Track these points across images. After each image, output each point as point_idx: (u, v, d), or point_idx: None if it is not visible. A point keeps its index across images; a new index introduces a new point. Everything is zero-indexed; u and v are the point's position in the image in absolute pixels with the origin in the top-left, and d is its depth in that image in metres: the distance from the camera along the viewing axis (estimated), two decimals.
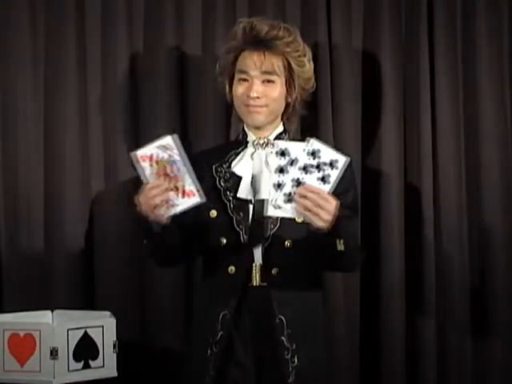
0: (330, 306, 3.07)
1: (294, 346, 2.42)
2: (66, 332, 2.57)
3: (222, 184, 2.50)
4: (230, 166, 2.52)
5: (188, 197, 2.26)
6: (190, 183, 2.25)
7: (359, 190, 3.11)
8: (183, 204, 2.26)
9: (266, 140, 2.52)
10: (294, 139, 2.56)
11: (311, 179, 2.21)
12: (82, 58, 3.03)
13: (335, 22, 3.13)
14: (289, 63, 2.48)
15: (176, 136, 2.26)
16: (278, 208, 2.23)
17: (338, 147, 3.08)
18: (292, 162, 2.22)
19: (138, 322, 3.03)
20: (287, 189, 2.22)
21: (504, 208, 3.21)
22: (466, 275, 3.21)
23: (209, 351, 2.45)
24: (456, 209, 3.20)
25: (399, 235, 3.15)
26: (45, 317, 2.82)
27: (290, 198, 2.22)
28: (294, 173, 2.22)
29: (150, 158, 2.24)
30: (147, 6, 3.07)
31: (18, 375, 2.57)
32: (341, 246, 2.31)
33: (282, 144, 2.24)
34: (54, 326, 2.60)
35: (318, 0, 3.12)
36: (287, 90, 2.51)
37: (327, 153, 2.21)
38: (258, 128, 2.52)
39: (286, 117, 2.56)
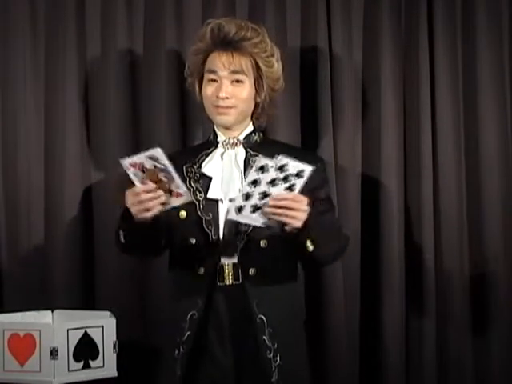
0: (329, 306, 3.09)
1: (276, 345, 2.44)
2: (66, 332, 2.57)
3: (193, 184, 2.52)
4: (200, 167, 2.55)
5: (177, 197, 2.35)
6: (177, 187, 2.33)
7: (358, 190, 3.14)
8: (174, 203, 2.36)
9: (235, 140, 2.55)
10: (264, 138, 2.61)
11: (278, 190, 2.29)
12: (82, 57, 3.03)
13: (335, 23, 3.13)
14: (257, 63, 2.50)
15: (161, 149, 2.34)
16: (241, 215, 2.32)
17: (337, 147, 3.13)
18: (263, 177, 2.30)
19: (137, 322, 3.03)
20: (254, 201, 2.30)
21: (504, 208, 3.20)
22: (465, 275, 3.21)
23: (176, 351, 2.48)
24: (456, 209, 3.20)
25: (399, 236, 3.15)
26: (45, 317, 2.82)
27: (255, 209, 2.30)
28: (263, 187, 2.29)
29: (138, 165, 2.33)
30: (147, 6, 3.07)
31: (18, 375, 2.57)
32: (311, 247, 2.36)
33: (263, 160, 2.30)
34: (54, 326, 2.59)
35: (318, 2, 3.12)
36: (256, 90, 2.53)
37: (294, 165, 2.29)
38: (227, 128, 2.55)
39: (255, 116, 2.59)
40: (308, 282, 3.03)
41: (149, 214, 2.32)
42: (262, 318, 2.44)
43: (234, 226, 2.45)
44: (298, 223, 2.30)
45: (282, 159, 2.28)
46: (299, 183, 2.29)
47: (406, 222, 3.18)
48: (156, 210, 2.32)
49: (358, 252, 3.14)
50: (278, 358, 2.44)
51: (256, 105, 2.56)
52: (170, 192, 2.34)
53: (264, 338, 2.43)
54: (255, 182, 2.29)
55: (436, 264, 3.18)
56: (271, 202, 2.27)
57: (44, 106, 3.02)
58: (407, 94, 3.21)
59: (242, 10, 3.08)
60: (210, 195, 2.49)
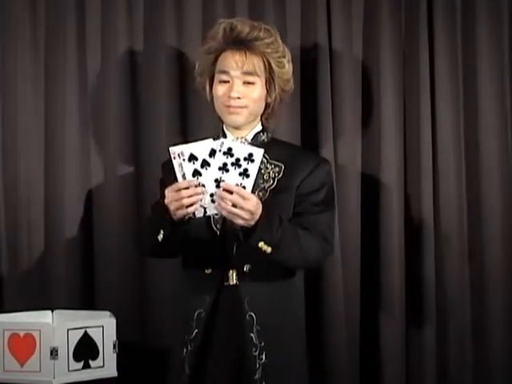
0: (329, 308, 3.09)
1: (263, 343, 2.44)
2: (66, 332, 2.57)
3: None
4: None
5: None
6: None
7: (358, 190, 3.14)
8: (212, 209, 2.33)
9: (243, 140, 2.55)
10: (272, 139, 2.60)
11: (232, 176, 2.27)
12: (82, 58, 3.02)
13: (335, 22, 3.14)
14: (269, 64, 2.51)
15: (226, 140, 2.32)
16: (205, 209, 2.30)
17: (337, 147, 3.13)
18: (203, 164, 2.27)
19: (138, 322, 3.02)
20: (210, 189, 2.28)
21: (504, 208, 3.21)
22: (466, 275, 3.21)
23: (184, 349, 2.48)
24: (456, 209, 3.20)
25: (399, 236, 3.15)
26: (45, 317, 2.82)
27: (213, 199, 2.29)
28: (213, 173, 2.27)
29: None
30: (147, 6, 3.07)
31: (17, 375, 2.57)
32: (267, 248, 2.34)
33: (188, 148, 2.28)
34: (54, 326, 2.59)
35: (318, 1, 3.12)
36: (267, 90, 2.54)
37: (241, 149, 2.27)
38: (236, 128, 2.55)
39: (264, 117, 2.59)
40: (308, 279, 3.03)
41: (189, 211, 2.30)
42: (251, 315, 2.44)
43: (232, 224, 2.43)
44: (240, 221, 2.28)
45: (226, 142, 2.27)
46: (253, 168, 2.26)
47: (406, 222, 3.18)
48: (195, 207, 2.30)
49: (358, 252, 3.14)
50: (264, 357, 2.43)
51: (266, 105, 2.56)
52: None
53: (251, 335, 2.43)
54: (196, 173, 2.27)
55: (436, 263, 3.18)
56: (218, 193, 2.27)
57: (44, 106, 3.01)
58: (407, 93, 3.21)
59: (241, 9, 3.08)
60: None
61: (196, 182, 2.29)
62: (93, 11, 3.03)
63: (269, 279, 2.47)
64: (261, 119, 2.59)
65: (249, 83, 2.50)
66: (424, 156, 3.18)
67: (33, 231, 2.98)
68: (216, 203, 2.28)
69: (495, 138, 3.21)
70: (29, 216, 2.97)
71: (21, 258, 2.97)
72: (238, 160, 2.27)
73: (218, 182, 2.27)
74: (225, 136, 2.57)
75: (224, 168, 2.27)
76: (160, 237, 2.39)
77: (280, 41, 2.55)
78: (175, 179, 2.32)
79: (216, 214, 2.38)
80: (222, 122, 2.58)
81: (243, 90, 2.49)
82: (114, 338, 2.66)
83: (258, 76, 2.50)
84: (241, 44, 2.49)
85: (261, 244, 2.34)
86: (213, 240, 2.47)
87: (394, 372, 3.14)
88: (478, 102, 3.21)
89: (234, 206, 2.26)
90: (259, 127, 2.58)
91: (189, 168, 2.28)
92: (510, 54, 3.24)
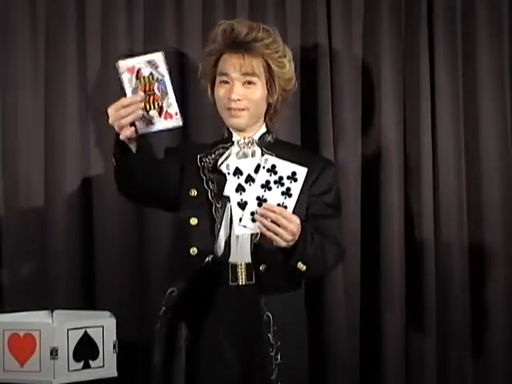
0: (329, 307, 3.09)
1: (279, 343, 2.43)
2: (66, 332, 2.57)
3: (206, 173, 2.51)
4: (214, 158, 2.54)
5: (166, 118, 2.27)
6: (170, 105, 2.26)
7: (358, 190, 3.14)
8: (160, 124, 2.27)
9: (250, 139, 2.55)
10: (277, 139, 2.60)
11: (274, 195, 2.23)
12: (82, 58, 3.03)
13: (335, 22, 3.14)
14: (268, 64, 2.50)
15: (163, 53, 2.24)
16: (245, 227, 2.26)
17: (337, 148, 3.13)
18: (248, 179, 2.24)
19: (137, 322, 3.02)
20: (252, 207, 2.24)
21: (504, 208, 3.21)
22: (466, 274, 3.21)
23: (155, 326, 2.47)
24: (456, 209, 3.20)
25: (399, 235, 3.15)
26: (45, 317, 2.82)
27: (253, 218, 2.25)
28: (256, 191, 2.23)
29: (134, 71, 2.23)
30: (147, 6, 3.07)
31: (18, 375, 2.58)
32: (302, 267, 2.34)
33: (234, 162, 2.26)
34: (54, 326, 2.60)
35: (318, 1, 3.12)
36: (268, 91, 2.53)
37: (285, 167, 2.23)
38: (240, 130, 2.55)
39: (268, 117, 2.59)
40: (307, 280, 3.03)
41: (132, 129, 2.26)
42: (268, 316, 2.43)
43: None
44: (282, 243, 2.27)
45: (270, 159, 2.24)
46: (295, 188, 2.24)
47: (406, 221, 3.18)
48: (132, 118, 2.25)
49: (358, 252, 3.14)
50: (279, 357, 2.43)
51: (269, 106, 2.56)
52: (159, 110, 2.25)
53: (269, 335, 2.43)
54: (240, 188, 2.24)
55: (436, 263, 3.18)
56: (260, 210, 2.24)
57: (44, 106, 3.02)
58: (407, 92, 3.21)
59: (242, 9, 3.08)
60: (226, 193, 2.44)
61: (134, 99, 2.24)
62: (93, 12, 3.03)
63: (283, 280, 2.46)
64: (265, 120, 2.59)
65: (249, 83, 2.49)
66: (424, 156, 3.18)
67: (32, 231, 2.98)
68: (257, 222, 2.24)
69: (495, 138, 3.21)
70: (28, 215, 2.98)
71: (21, 258, 2.98)
72: (281, 178, 2.23)
73: (259, 200, 2.24)
74: (231, 135, 2.57)
75: (267, 186, 2.24)
76: (113, 162, 2.37)
77: (280, 41, 2.55)
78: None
79: (253, 234, 2.36)
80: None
81: (243, 91, 2.49)
82: (114, 338, 2.66)
83: (258, 77, 2.50)
84: (239, 46, 2.48)
85: (299, 264, 2.34)
86: (207, 224, 2.44)
87: (394, 372, 3.14)
88: (478, 102, 3.21)
89: (277, 225, 2.24)
90: (264, 128, 2.59)
91: (233, 182, 2.24)
92: (509, 54, 3.23)
